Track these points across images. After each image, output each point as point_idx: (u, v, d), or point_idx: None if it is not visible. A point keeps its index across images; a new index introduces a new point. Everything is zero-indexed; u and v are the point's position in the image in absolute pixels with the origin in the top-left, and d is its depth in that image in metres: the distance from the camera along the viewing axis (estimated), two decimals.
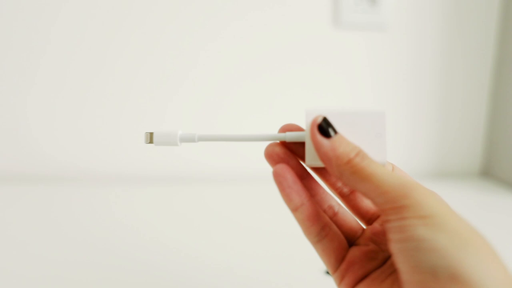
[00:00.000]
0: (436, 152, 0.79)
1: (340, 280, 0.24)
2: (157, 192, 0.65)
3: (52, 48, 0.68)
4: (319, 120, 0.22)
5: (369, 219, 0.26)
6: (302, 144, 0.25)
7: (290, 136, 0.24)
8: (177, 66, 0.71)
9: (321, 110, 0.23)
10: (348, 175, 0.21)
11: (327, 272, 0.35)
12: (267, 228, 0.51)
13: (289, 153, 0.25)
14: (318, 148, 0.22)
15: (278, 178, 0.23)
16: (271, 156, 0.25)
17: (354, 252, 0.24)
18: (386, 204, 0.19)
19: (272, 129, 0.74)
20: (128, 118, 0.72)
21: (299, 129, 0.25)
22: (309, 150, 0.23)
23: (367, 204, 0.26)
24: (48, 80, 0.69)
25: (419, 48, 0.74)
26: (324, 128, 0.22)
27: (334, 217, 0.26)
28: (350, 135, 0.23)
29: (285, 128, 0.25)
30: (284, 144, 0.25)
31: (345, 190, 0.26)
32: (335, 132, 0.22)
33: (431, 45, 0.74)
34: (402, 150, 0.79)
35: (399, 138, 0.78)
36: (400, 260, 0.19)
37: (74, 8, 0.67)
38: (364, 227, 0.26)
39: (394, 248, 0.19)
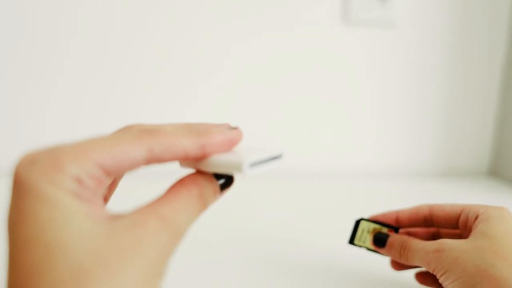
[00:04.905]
0: (443, 151, 0.78)
1: None
2: (161, 187, 0.65)
3: (52, 48, 0.68)
4: None
5: None
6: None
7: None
8: (186, 71, 0.70)
9: None
10: None
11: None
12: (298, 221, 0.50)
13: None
14: None
15: None
16: None
17: None
18: None
19: (278, 130, 0.74)
20: (128, 119, 0.72)
21: None
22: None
23: None
24: (48, 78, 0.69)
25: (428, 45, 0.73)
26: None
27: None
28: None
29: None
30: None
31: None
32: None
33: (441, 43, 0.73)
34: (409, 148, 0.77)
35: (406, 136, 0.77)
36: None
37: (73, 8, 0.67)
38: None
39: None
